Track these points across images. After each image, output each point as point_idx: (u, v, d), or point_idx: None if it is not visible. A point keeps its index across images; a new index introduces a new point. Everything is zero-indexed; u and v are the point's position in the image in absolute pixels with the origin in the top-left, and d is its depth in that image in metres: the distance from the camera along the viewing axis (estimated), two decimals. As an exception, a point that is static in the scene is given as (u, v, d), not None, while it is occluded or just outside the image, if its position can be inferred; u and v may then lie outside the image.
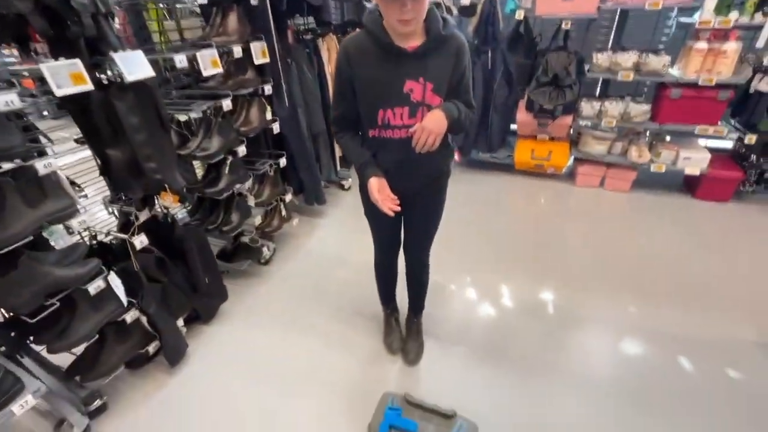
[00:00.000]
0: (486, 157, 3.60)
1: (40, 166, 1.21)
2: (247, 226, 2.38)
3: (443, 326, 2.01)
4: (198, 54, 1.68)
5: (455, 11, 3.09)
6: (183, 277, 1.87)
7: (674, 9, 3.19)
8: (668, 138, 3.14)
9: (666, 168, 3.01)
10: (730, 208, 2.96)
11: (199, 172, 2.31)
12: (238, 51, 1.91)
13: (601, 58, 2.89)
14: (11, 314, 1.36)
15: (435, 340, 1.94)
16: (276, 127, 2.30)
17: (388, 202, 1.24)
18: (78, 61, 1.27)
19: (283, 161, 2.40)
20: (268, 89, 2.20)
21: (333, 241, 2.78)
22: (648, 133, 3.20)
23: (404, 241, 1.65)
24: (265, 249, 2.41)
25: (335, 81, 1.30)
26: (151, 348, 1.71)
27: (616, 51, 2.86)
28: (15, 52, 1.59)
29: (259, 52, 2.04)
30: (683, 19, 3.33)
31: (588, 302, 2.14)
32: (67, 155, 1.73)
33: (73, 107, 1.49)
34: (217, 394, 1.72)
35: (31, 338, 1.49)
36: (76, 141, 1.69)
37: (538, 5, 2.86)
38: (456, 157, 3.49)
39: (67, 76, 1.24)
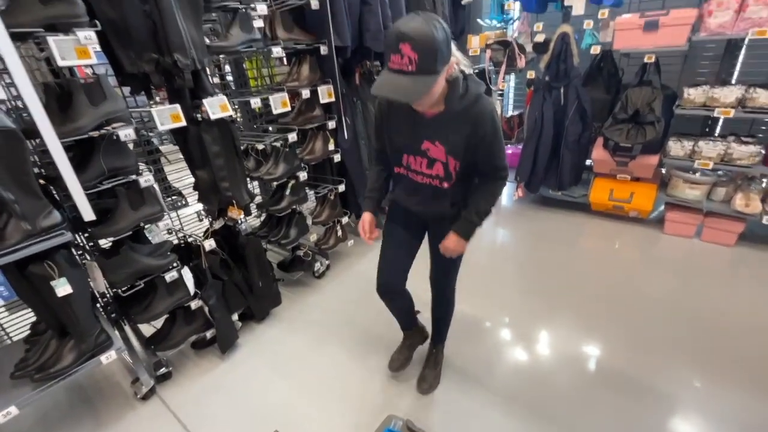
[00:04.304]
0: (557, 194, 3.40)
1: (142, 180, 1.64)
2: (306, 241, 2.69)
3: (469, 363, 1.99)
4: (270, 97, 2.06)
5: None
6: (242, 279, 2.22)
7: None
8: (794, 186, 2.59)
9: (785, 222, 2.48)
10: None
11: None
12: (306, 93, 2.27)
13: (695, 94, 2.57)
14: (114, 290, 1.82)
15: (456, 375, 1.93)
16: (337, 157, 2.60)
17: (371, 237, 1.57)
18: (177, 106, 1.70)
19: (341, 187, 2.68)
20: (332, 124, 2.52)
21: (383, 264, 2.92)
22: (765, 180, 2.69)
23: (429, 272, 1.74)
24: (318, 264, 2.69)
25: (374, 122, 1.51)
26: (209, 334, 2.07)
27: (714, 85, 2.52)
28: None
29: (326, 93, 2.37)
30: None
31: (645, 367, 1.88)
32: (174, 173, 2.26)
33: (177, 138, 1.98)
34: (253, 382, 1.98)
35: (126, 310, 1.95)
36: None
37: (616, 39, 2.71)
38: (519, 192, 3.38)
39: (168, 116, 1.67)
